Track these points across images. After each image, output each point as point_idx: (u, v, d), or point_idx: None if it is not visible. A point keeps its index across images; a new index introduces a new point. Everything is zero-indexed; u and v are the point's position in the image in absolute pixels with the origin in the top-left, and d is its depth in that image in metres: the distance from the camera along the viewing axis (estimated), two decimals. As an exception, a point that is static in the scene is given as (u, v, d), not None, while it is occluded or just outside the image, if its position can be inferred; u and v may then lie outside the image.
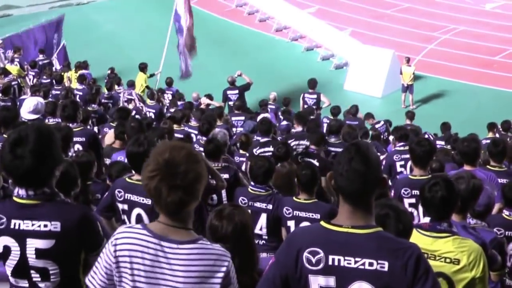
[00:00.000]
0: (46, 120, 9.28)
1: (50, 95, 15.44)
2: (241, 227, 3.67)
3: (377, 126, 16.06)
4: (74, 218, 3.40)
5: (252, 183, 6.63)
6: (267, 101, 17.22)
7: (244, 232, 3.69)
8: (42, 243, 3.38)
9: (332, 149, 10.19)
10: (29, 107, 9.51)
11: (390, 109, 20.75)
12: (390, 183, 8.19)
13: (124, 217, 5.72)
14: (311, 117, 13.16)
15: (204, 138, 9.10)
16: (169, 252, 2.88)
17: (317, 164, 8.14)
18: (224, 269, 2.89)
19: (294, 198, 6.39)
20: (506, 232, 5.81)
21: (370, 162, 2.91)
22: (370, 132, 13.88)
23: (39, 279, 3.46)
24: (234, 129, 13.91)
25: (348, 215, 2.93)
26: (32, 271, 3.45)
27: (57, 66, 22.72)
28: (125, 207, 5.61)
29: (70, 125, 8.10)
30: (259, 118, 13.75)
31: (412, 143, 7.14)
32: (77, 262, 3.49)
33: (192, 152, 2.94)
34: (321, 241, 2.90)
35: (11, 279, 3.53)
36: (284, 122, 14.49)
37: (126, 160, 6.30)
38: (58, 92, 16.17)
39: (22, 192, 3.41)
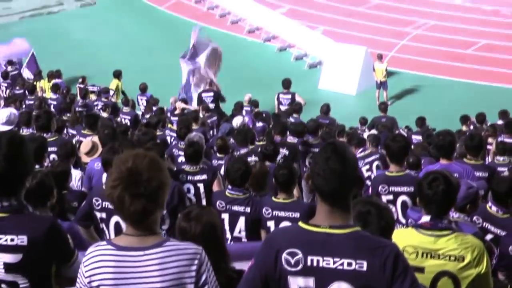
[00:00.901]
0: (21, 131, 9.20)
1: (24, 106, 15.32)
2: (209, 227, 3.71)
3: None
4: (40, 230, 3.35)
5: (229, 186, 6.61)
6: (242, 103, 17.21)
7: (213, 232, 3.73)
8: (9, 258, 3.34)
9: (312, 149, 10.26)
10: (1, 118, 9.41)
11: (365, 106, 20.78)
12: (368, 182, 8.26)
13: (103, 225, 5.69)
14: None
15: (182, 142, 9.17)
16: (137, 261, 2.88)
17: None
18: (196, 261, 2.91)
19: (273, 198, 6.40)
20: (484, 223, 5.83)
21: (347, 162, 2.92)
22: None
23: None
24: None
25: (326, 215, 2.94)
26: (2, 285, 3.41)
27: (29, 75, 22.40)
28: (103, 215, 5.58)
29: (45, 135, 8.04)
30: (234, 120, 13.76)
31: (387, 139, 7.18)
32: (48, 275, 3.45)
33: (155, 159, 2.94)
34: (300, 242, 2.90)
35: (-18, 294, 3.50)
36: (260, 124, 14.48)
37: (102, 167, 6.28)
38: (32, 102, 16.03)
39: None
